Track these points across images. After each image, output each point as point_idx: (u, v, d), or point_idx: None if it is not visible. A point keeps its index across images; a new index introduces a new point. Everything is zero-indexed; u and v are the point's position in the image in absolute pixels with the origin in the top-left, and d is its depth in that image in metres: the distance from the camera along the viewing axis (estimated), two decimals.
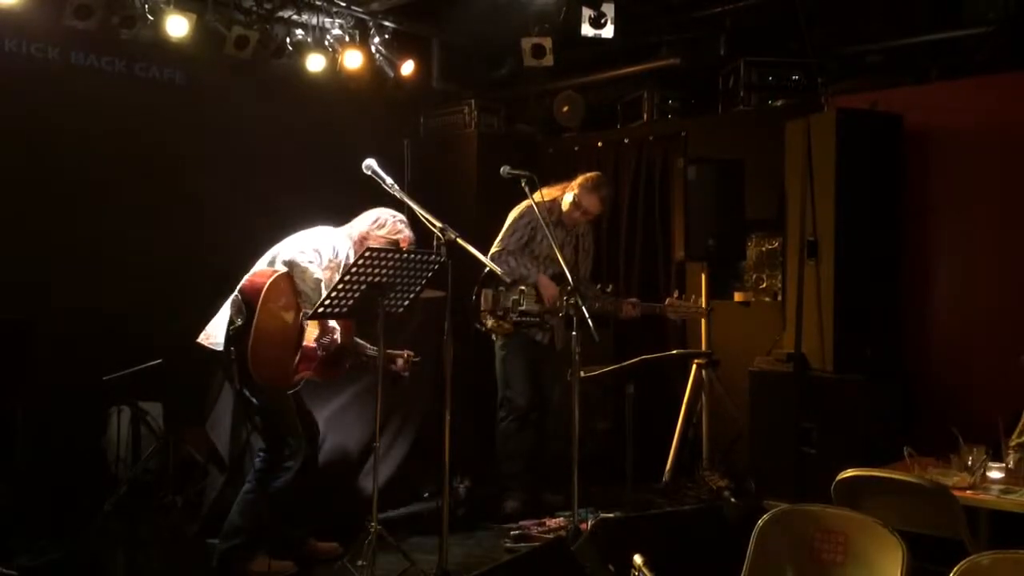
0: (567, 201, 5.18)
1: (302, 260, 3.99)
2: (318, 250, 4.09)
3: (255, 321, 3.87)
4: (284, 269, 4.02)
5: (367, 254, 3.74)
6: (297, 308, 4.04)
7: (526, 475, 5.25)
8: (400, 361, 4.31)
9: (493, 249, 5.13)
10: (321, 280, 4.03)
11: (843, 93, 5.73)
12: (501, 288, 5.03)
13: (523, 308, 5.08)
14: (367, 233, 4.34)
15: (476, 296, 5.08)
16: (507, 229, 5.21)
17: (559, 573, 3.19)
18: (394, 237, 4.33)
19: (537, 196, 4.99)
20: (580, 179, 5.22)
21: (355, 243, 4.33)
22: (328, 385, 4.62)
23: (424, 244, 4.49)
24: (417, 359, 4.36)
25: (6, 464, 4.64)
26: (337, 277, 4.22)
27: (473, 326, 5.13)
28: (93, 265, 5.51)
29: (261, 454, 4.20)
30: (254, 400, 4.06)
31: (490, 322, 5.09)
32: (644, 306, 5.26)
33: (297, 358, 4.10)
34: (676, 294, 5.36)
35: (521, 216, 5.19)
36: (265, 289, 3.90)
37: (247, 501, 4.12)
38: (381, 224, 4.36)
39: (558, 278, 5.10)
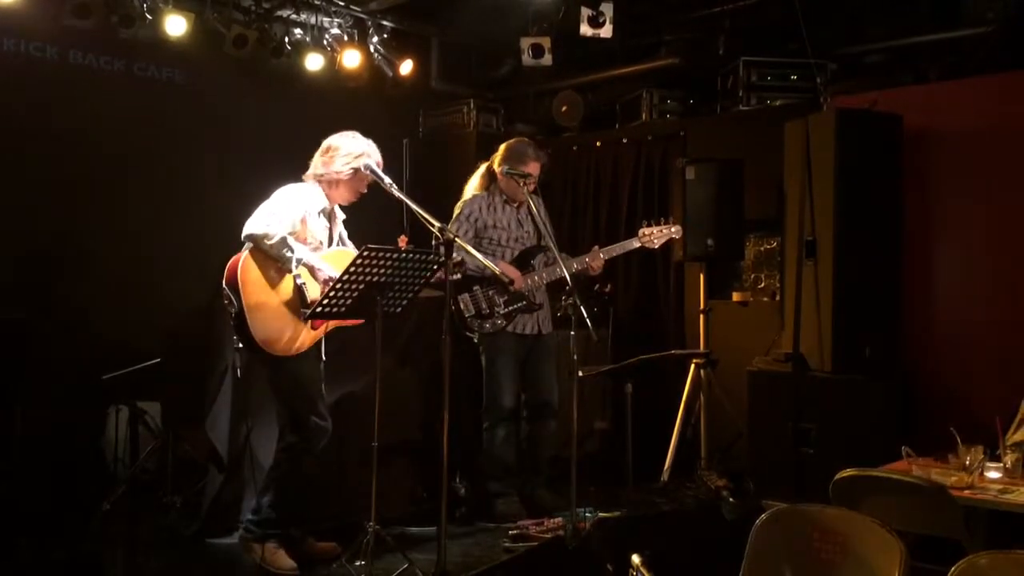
0: (500, 176, 5.05)
1: (258, 230, 3.94)
2: (274, 212, 4.00)
3: (244, 304, 3.88)
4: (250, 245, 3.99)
5: (366, 253, 3.73)
6: (281, 273, 4.02)
7: (518, 480, 5.19)
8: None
9: None
10: (285, 236, 3.96)
11: (842, 93, 5.74)
12: (476, 288, 4.97)
13: (506, 299, 4.96)
14: (329, 159, 4.22)
15: (455, 305, 4.89)
16: (450, 225, 5.01)
17: (557, 573, 3.19)
18: (354, 150, 4.19)
19: (470, 190, 5.11)
20: (503, 154, 5.06)
21: (324, 183, 4.24)
22: (328, 384, 4.61)
23: (423, 244, 4.49)
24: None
25: (5, 464, 4.64)
26: (312, 224, 4.16)
27: (464, 335, 5.02)
28: (93, 265, 5.51)
29: (282, 432, 4.20)
30: (276, 377, 4.08)
31: (479, 324, 4.97)
32: (615, 246, 5.03)
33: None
34: (646, 223, 5.10)
35: (461, 210, 5.09)
36: (240, 271, 3.91)
37: (269, 479, 4.17)
38: (335, 148, 4.23)
39: (524, 256, 5.05)
